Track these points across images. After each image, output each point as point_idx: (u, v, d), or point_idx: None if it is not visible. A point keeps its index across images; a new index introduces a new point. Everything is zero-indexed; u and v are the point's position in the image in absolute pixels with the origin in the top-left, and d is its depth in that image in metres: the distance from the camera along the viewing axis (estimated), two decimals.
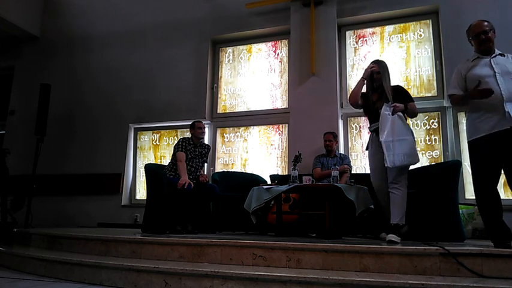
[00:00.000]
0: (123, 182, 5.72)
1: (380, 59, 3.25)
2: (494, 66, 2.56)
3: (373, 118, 3.11)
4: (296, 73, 5.11)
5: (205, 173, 4.66)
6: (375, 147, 3.09)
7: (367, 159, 3.32)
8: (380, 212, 3.19)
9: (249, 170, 5.30)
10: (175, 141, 4.28)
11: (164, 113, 5.73)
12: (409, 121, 4.78)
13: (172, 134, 5.85)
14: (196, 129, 4.13)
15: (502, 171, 2.53)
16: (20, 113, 6.55)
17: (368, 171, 4.71)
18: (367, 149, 3.26)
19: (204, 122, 4.41)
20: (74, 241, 3.29)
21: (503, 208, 2.51)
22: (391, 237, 2.73)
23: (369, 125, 3.25)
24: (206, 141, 5.17)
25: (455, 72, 2.76)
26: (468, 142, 2.64)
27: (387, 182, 2.99)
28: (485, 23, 2.67)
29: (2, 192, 4.95)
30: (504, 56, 2.64)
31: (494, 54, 2.64)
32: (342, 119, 5.03)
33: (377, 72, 3.12)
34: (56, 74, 6.43)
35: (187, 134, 4.42)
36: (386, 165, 2.80)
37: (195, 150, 4.10)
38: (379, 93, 3.13)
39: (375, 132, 3.07)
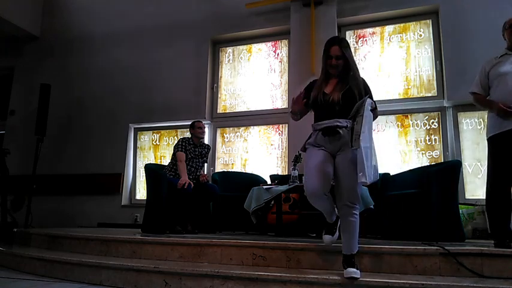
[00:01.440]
0: (123, 182, 5.72)
1: (341, 37, 2.48)
2: None
3: (324, 114, 2.31)
4: (296, 73, 5.11)
5: (205, 173, 4.66)
6: (317, 149, 2.30)
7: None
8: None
9: (249, 170, 5.30)
10: (176, 141, 4.28)
11: (164, 113, 5.73)
12: (410, 121, 4.82)
13: (172, 134, 5.85)
14: (196, 129, 4.13)
15: None
16: (20, 113, 6.55)
17: None
18: (304, 150, 2.43)
19: (204, 122, 4.41)
20: (74, 241, 3.29)
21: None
22: (352, 272, 2.04)
23: (314, 121, 2.39)
24: (206, 141, 5.17)
25: (480, 70, 2.76)
26: (489, 138, 2.63)
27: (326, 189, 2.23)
28: None
29: (2, 192, 4.95)
30: None
31: None
32: None
33: (337, 56, 2.31)
34: (56, 74, 6.43)
35: (187, 134, 4.42)
36: (362, 180, 2.01)
37: (195, 150, 4.10)
38: (336, 81, 2.36)
39: (321, 131, 2.29)
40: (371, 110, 2.16)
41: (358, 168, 2.04)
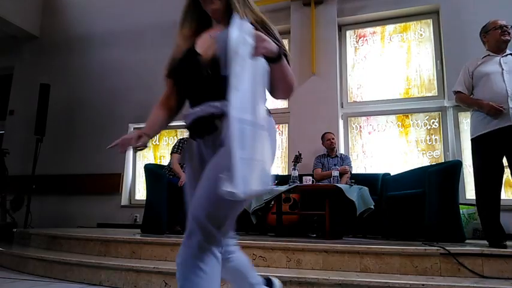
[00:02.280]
0: (123, 182, 5.72)
1: None
2: (503, 64, 2.61)
3: (194, 93, 1.32)
4: (296, 73, 5.08)
5: None
6: (189, 166, 1.36)
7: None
8: None
9: None
10: (175, 141, 4.27)
11: None
12: (410, 120, 4.80)
13: (172, 134, 5.84)
14: None
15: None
16: (20, 113, 6.54)
17: (369, 171, 4.79)
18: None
19: None
20: (74, 241, 3.29)
21: (506, 208, 2.51)
22: None
23: (189, 110, 1.34)
24: None
25: (463, 69, 2.80)
26: (471, 139, 2.64)
27: None
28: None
29: (1, 192, 4.95)
30: None
31: (505, 54, 2.68)
32: (342, 119, 5.02)
33: None
34: (55, 74, 6.42)
35: (187, 134, 4.41)
36: (227, 190, 0.95)
37: None
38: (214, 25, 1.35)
39: (189, 129, 1.39)
40: (271, 59, 1.16)
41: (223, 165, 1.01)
